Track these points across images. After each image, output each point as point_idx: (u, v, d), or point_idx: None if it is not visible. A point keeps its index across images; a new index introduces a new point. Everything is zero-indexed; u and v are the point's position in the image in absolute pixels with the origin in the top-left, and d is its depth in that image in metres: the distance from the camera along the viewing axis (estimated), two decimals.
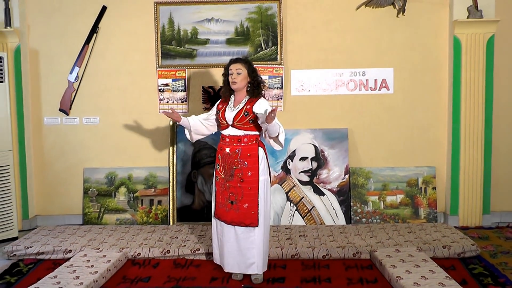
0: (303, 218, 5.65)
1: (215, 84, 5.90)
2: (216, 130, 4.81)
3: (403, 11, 5.71)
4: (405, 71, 5.81)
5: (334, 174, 5.72)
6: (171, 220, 5.79)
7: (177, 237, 5.18)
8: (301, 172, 5.74)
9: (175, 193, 5.81)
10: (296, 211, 5.66)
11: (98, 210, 5.90)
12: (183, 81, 5.91)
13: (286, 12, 5.87)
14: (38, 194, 6.08)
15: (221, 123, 4.56)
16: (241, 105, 4.47)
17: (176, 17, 5.91)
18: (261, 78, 4.64)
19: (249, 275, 4.38)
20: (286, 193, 5.71)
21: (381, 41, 5.81)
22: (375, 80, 5.82)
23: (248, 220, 4.35)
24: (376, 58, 5.82)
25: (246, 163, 4.42)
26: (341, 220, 5.65)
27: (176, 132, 5.90)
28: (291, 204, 5.68)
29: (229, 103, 4.56)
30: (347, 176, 5.73)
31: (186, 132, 4.81)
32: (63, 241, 5.12)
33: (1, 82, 5.42)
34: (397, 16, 5.76)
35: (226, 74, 4.58)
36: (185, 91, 5.92)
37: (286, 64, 5.87)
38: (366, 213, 5.72)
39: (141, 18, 5.90)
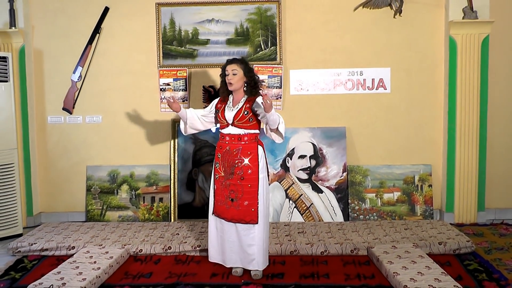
0: (301, 215, 5.66)
1: (215, 84, 5.89)
2: (210, 127, 4.81)
3: (400, 12, 5.71)
4: (401, 70, 5.81)
5: (332, 172, 5.73)
6: (172, 217, 5.80)
7: (178, 234, 5.18)
8: (300, 170, 5.74)
9: (176, 191, 5.81)
10: (295, 208, 5.66)
11: (100, 207, 5.91)
12: (184, 80, 5.91)
13: (285, 13, 5.86)
14: (42, 192, 6.08)
15: (220, 122, 4.54)
16: (240, 104, 4.48)
17: (177, 18, 5.90)
18: (258, 77, 4.64)
19: (249, 271, 4.38)
20: (285, 191, 5.71)
21: (378, 42, 5.80)
22: (372, 79, 5.82)
23: (248, 217, 4.34)
24: (374, 58, 5.82)
25: (246, 161, 4.43)
26: (339, 217, 5.66)
27: (177, 130, 5.89)
28: (290, 201, 5.69)
29: (228, 102, 4.55)
30: (345, 174, 5.73)
31: (181, 124, 4.77)
32: (67, 238, 5.13)
33: (6, 81, 5.42)
34: (394, 17, 5.76)
35: (223, 75, 4.57)
36: (186, 90, 5.92)
37: (285, 64, 5.86)
38: (363, 210, 5.72)
39: (143, 18, 5.90)
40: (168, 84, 5.93)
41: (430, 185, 5.76)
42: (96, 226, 5.54)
